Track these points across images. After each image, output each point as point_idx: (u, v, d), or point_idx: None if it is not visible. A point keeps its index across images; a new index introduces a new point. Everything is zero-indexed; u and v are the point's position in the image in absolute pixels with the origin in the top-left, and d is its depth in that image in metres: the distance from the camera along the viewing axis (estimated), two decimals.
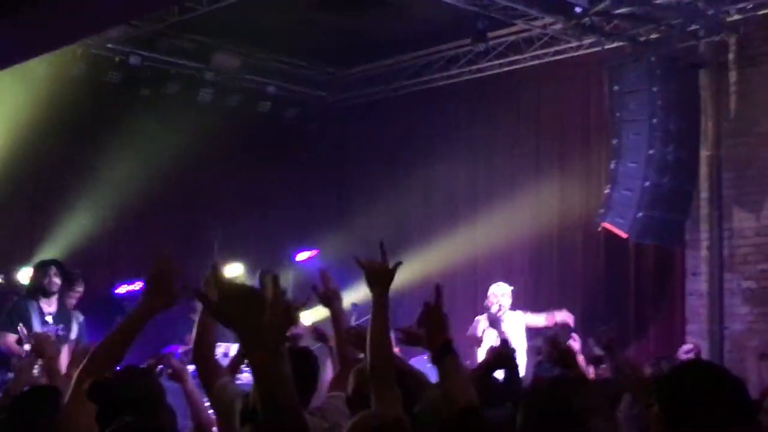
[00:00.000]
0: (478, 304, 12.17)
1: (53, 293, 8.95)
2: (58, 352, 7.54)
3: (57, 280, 8.91)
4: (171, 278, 3.32)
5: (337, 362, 4.52)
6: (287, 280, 11.66)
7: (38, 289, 8.89)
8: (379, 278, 3.67)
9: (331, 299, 4.73)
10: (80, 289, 9.27)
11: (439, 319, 3.50)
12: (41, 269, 8.99)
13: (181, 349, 9.87)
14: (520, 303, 12.13)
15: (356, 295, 12.26)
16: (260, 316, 2.54)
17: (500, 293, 10.43)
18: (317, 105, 13.89)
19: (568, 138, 12.05)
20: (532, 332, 10.30)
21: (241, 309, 2.49)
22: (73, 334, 9.03)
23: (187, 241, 12.32)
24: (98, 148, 11.50)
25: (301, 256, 12.35)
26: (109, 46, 11.55)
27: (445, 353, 3.36)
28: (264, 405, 2.53)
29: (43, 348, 4.93)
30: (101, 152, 11.50)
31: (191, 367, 4.65)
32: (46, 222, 11.29)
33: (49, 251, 10.93)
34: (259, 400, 2.55)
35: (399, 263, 3.72)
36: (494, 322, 10.23)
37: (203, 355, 4.28)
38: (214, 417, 4.41)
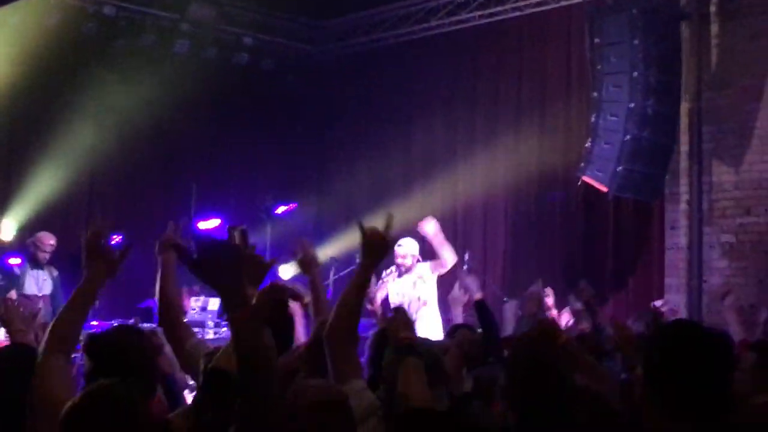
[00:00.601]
0: (457, 258, 12.17)
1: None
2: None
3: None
4: (107, 247, 3.29)
5: (313, 326, 4.49)
6: (266, 233, 11.57)
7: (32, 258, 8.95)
8: (376, 249, 3.65)
9: (309, 265, 4.72)
10: (52, 242, 9.19)
11: (403, 318, 3.50)
12: None
13: None
14: (499, 257, 12.19)
15: (334, 248, 12.31)
16: (239, 270, 2.51)
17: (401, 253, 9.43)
18: (296, 57, 13.73)
19: (549, 91, 11.96)
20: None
21: (220, 263, 2.50)
22: (48, 290, 9.01)
23: (164, 194, 12.23)
24: (73, 100, 11.35)
25: (281, 210, 12.24)
26: None
27: (407, 353, 3.29)
28: (243, 363, 2.51)
29: (12, 318, 4.78)
30: (76, 105, 11.35)
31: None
32: (19, 178, 11.14)
33: (24, 207, 10.83)
34: (238, 358, 2.52)
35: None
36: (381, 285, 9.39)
37: (169, 317, 4.29)
38: None
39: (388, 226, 3.68)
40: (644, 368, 2.81)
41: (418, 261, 9.46)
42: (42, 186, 11.06)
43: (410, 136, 13.14)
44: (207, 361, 3.79)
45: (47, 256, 9.13)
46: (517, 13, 11.90)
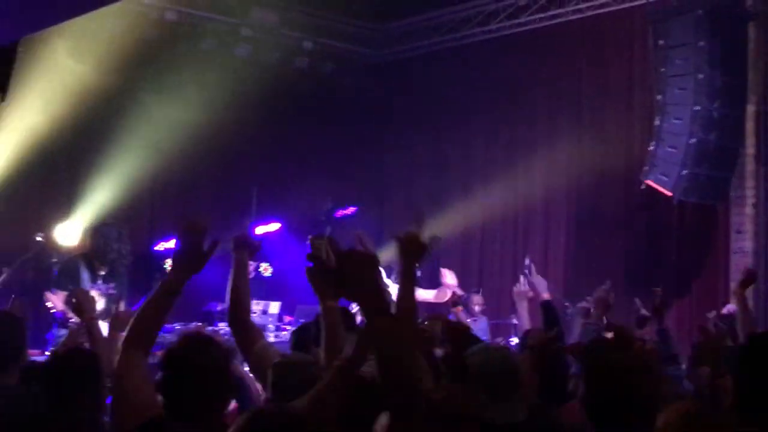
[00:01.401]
0: (518, 260, 12.11)
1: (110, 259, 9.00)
2: (106, 313, 7.68)
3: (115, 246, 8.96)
4: (201, 245, 3.31)
5: None
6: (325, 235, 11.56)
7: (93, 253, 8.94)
8: (412, 251, 3.70)
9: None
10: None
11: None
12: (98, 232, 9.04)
13: (219, 307, 9.87)
14: (560, 261, 12.08)
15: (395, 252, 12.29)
16: (377, 277, 2.51)
17: None
18: (355, 60, 13.73)
19: (610, 93, 11.84)
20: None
21: (360, 275, 2.52)
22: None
23: (224, 198, 12.30)
24: (136, 105, 11.43)
25: (343, 213, 12.22)
26: (146, 2, 11.44)
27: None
28: (390, 369, 2.49)
29: (83, 307, 4.86)
30: (139, 110, 11.43)
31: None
32: (85, 181, 11.26)
33: (88, 209, 10.95)
34: (383, 365, 2.51)
35: (436, 237, 3.73)
36: None
37: (239, 317, 4.28)
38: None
39: (419, 225, 3.76)
40: (738, 377, 2.75)
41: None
42: (105, 190, 11.17)
43: (469, 138, 13.09)
44: (277, 372, 3.79)
45: None
46: (578, 16, 11.80)
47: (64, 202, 11.02)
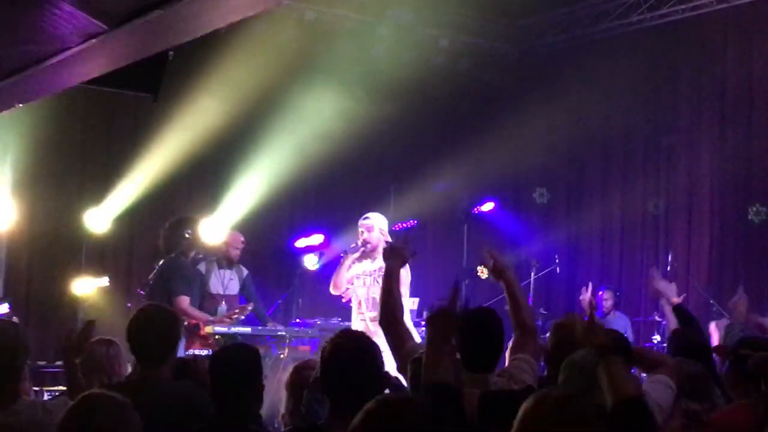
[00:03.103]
0: (659, 257, 11.89)
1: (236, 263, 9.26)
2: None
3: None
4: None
5: (515, 328, 4.56)
6: (463, 234, 11.53)
7: (224, 257, 9.20)
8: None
9: (502, 272, 4.69)
10: (242, 239, 9.43)
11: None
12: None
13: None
14: (704, 258, 11.77)
15: (534, 247, 12.24)
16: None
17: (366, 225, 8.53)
18: (493, 56, 13.65)
19: (756, 87, 11.48)
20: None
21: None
22: (234, 289, 9.19)
23: (361, 196, 12.43)
24: (277, 106, 11.63)
25: (483, 208, 12.17)
26: (285, 2, 11.61)
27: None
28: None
29: None
30: (280, 110, 11.63)
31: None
32: (229, 180, 11.55)
33: (231, 206, 11.23)
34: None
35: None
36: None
37: (391, 320, 4.55)
38: None
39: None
40: None
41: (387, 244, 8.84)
42: (249, 189, 11.43)
43: (609, 133, 12.87)
44: (413, 367, 3.86)
45: (239, 253, 9.34)
46: (724, 5, 11.43)
47: (209, 201, 11.33)
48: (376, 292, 7.76)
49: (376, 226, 8.41)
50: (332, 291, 8.58)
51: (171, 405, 4.05)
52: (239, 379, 3.84)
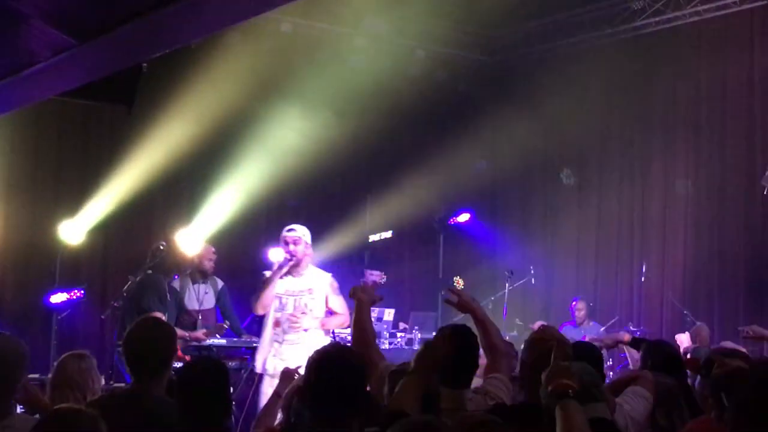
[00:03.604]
0: (633, 268, 11.97)
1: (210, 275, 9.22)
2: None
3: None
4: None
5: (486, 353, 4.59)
6: (439, 245, 11.56)
7: (197, 270, 9.15)
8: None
9: (468, 306, 4.73)
10: (214, 251, 9.36)
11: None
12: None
13: None
14: (678, 266, 11.83)
15: (511, 258, 12.28)
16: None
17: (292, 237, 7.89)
18: (468, 67, 13.71)
19: (729, 98, 11.58)
20: None
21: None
22: (209, 303, 9.11)
23: (338, 206, 12.45)
24: (252, 117, 11.60)
25: (459, 219, 12.17)
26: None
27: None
28: None
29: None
30: (255, 121, 11.60)
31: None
32: (205, 192, 11.52)
33: (207, 218, 11.19)
34: None
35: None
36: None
37: (363, 347, 4.71)
38: None
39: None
40: None
41: (310, 258, 7.99)
42: (224, 201, 11.40)
43: (583, 142, 12.92)
44: (392, 378, 3.91)
45: (213, 264, 9.28)
46: (695, 18, 11.54)
47: (185, 212, 11.30)
48: (299, 315, 7.68)
49: (302, 239, 7.82)
50: (258, 311, 7.94)
51: (158, 421, 3.99)
52: (206, 393, 3.83)
